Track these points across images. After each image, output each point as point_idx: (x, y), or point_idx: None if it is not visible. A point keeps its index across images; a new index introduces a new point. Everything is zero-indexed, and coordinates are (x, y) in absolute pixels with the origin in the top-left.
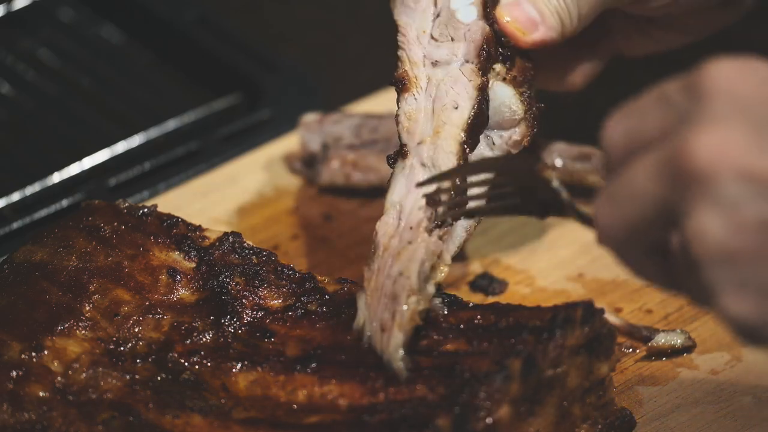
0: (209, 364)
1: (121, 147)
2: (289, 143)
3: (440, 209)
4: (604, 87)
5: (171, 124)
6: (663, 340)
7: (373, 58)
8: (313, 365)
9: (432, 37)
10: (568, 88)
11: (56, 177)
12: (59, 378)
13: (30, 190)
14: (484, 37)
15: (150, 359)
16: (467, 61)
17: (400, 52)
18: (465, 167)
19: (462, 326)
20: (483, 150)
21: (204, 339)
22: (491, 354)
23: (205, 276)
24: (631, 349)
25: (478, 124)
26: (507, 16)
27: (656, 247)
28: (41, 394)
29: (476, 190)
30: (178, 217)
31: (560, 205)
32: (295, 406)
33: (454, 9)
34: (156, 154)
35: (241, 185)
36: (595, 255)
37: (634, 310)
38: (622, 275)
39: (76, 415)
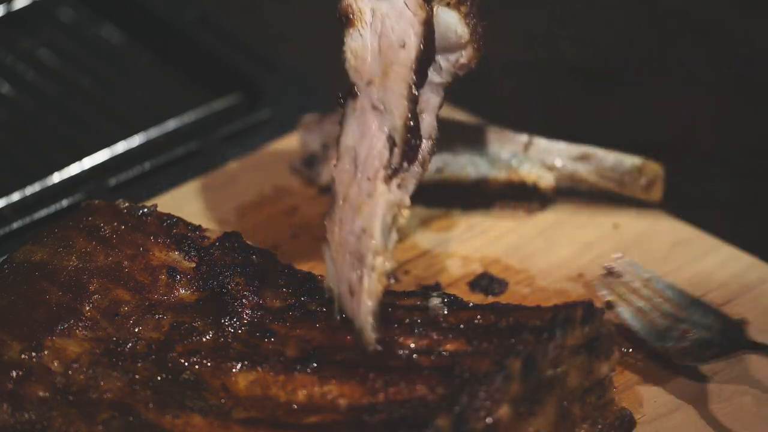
0: (209, 364)
1: (121, 147)
2: (289, 143)
3: (396, 153)
4: (604, 87)
5: (171, 124)
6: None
7: None
8: (313, 365)
9: None
10: None
11: (56, 177)
12: (59, 378)
13: (30, 190)
14: None
15: (150, 359)
16: None
17: None
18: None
19: (462, 326)
20: (430, 76)
21: (204, 339)
22: (491, 354)
23: (205, 276)
24: (630, 350)
25: (426, 60)
26: None
27: None
28: (41, 394)
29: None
30: (178, 217)
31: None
32: (295, 406)
33: None
34: (156, 154)
35: (241, 185)
36: (595, 255)
37: None
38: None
39: (76, 415)
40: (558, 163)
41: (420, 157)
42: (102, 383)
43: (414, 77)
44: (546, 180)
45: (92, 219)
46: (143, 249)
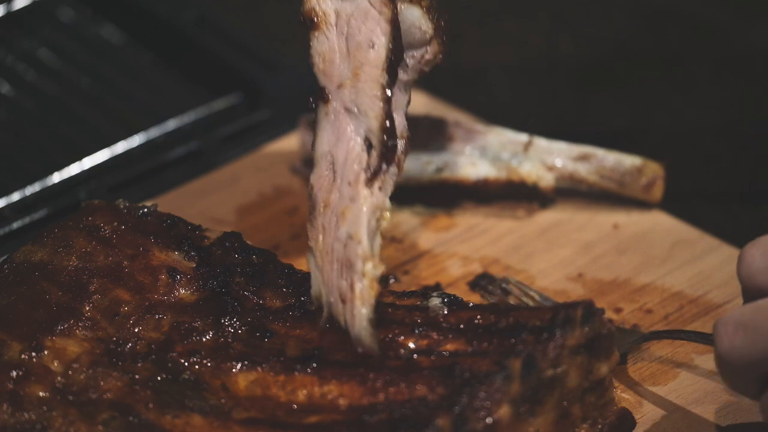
0: (209, 364)
1: (121, 147)
2: (289, 143)
3: (374, 155)
4: (604, 87)
5: (171, 124)
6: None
7: None
8: (313, 365)
9: None
10: None
11: (56, 177)
12: (59, 378)
13: (30, 190)
14: None
15: (150, 359)
16: None
17: None
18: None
19: (462, 326)
20: (398, 74)
21: (204, 339)
22: (491, 354)
23: (205, 276)
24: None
25: (396, 59)
26: None
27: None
28: (41, 394)
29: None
30: (178, 217)
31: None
32: (295, 406)
33: None
34: (156, 154)
35: (241, 185)
36: (595, 255)
37: (634, 310)
38: (623, 275)
39: (76, 415)
40: (558, 163)
41: (396, 157)
42: (102, 383)
43: (386, 77)
44: (546, 180)
45: (92, 219)
46: (143, 249)
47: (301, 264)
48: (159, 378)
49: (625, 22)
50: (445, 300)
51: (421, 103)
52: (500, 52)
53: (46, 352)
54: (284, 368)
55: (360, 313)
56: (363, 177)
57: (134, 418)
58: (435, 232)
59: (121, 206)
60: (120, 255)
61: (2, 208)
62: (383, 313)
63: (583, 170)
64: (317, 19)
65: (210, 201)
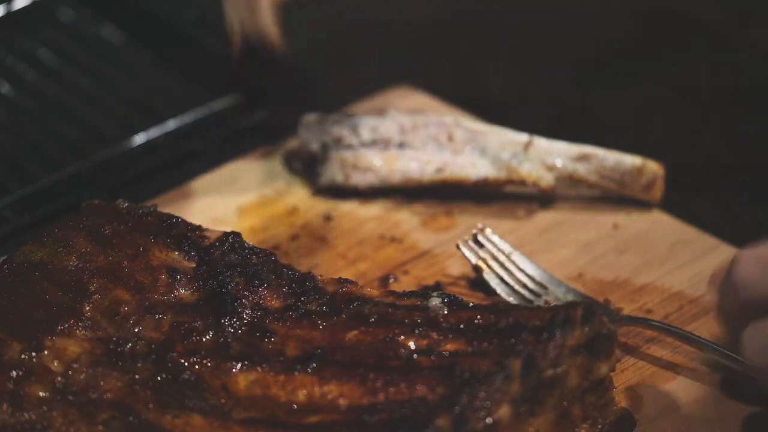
0: (209, 364)
1: (121, 147)
2: (289, 143)
3: None
4: (603, 87)
5: (171, 124)
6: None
7: (373, 58)
8: (313, 365)
9: None
10: None
11: (56, 177)
12: (59, 378)
13: (30, 190)
14: None
15: (150, 359)
16: None
17: None
18: None
19: (462, 326)
20: None
21: (204, 339)
22: (491, 354)
23: (205, 276)
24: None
25: None
26: None
27: None
28: (41, 394)
29: None
30: (178, 217)
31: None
32: (295, 406)
33: None
34: (156, 154)
35: (241, 185)
36: (595, 255)
37: (634, 310)
38: (623, 275)
39: (76, 415)
40: (558, 163)
41: None
42: (102, 383)
43: None
44: (546, 180)
45: (92, 219)
46: (143, 249)
47: (301, 264)
48: (159, 378)
49: (625, 21)
50: (445, 300)
51: (421, 103)
52: (500, 52)
53: (46, 352)
54: (284, 368)
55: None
56: None
57: (134, 418)
58: (435, 232)
59: (121, 206)
60: (120, 255)
61: (2, 208)
62: (383, 313)
63: (583, 170)
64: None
65: (210, 201)
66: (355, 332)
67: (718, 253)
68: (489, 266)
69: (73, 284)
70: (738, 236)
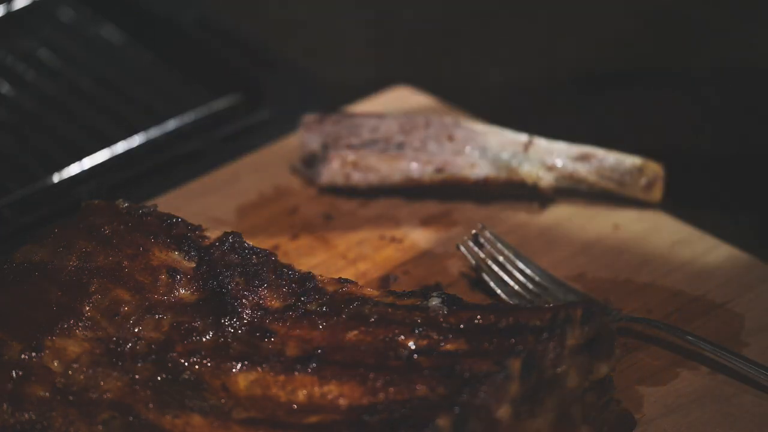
0: (209, 364)
1: (121, 147)
2: (289, 143)
3: None
4: (603, 88)
5: (171, 124)
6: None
7: (373, 58)
8: (313, 365)
9: None
10: None
11: (56, 177)
12: (59, 378)
13: (30, 190)
14: None
15: (150, 359)
16: None
17: None
18: None
19: (462, 326)
20: None
21: (204, 339)
22: (491, 354)
23: (205, 276)
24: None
25: None
26: None
27: None
28: (41, 394)
29: None
30: (178, 217)
31: None
32: (295, 406)
33: None
34: (156, 154)
35: (241, 185)
36: (595, 255)
37: (634, 310)
38: (622, 275)
39: (76, 415)
40: (558, 163)
41: None
42: (102, 383)
43: None
44: (546, 180)
45: (92, 219)
46: (143, 249)
47: (301, 264)
48: (159, 378)
49: (625, 22)
50: (445, 300)
51: (421, 103)
52: (500, 53)
53: (46, 352)
54: (284, 368)
55: None
56: None
57: (134, 418)
58: (435, 232)
59: (121, 206)
60: (120, 255)
61: (2, 208)
62: (383, 313)
63: (583, 170)
64: None
65: (210, 201)
66: (355, 332)
67: (718, 253)
68: (489, 266)
69: (73, 284)
70: (738, 236)
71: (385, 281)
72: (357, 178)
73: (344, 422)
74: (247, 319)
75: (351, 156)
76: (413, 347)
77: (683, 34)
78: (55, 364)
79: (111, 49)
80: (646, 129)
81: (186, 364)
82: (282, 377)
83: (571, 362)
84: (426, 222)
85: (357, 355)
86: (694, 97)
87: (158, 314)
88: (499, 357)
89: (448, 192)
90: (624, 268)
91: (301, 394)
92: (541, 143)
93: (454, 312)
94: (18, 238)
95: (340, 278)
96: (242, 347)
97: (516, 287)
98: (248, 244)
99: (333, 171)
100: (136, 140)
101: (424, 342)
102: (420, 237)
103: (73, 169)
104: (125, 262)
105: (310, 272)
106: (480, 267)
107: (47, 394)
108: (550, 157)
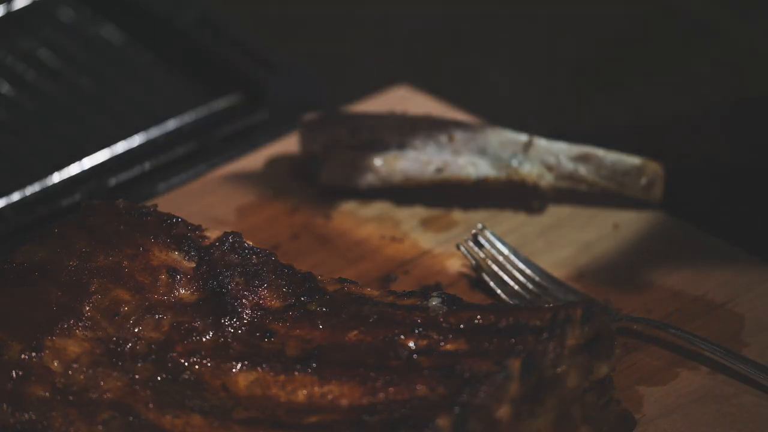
0: (209, 364)
1: (121, 147)
2: (289, 143)
3: None
4: (604, 87)
5: (171, 124)
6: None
7: (373, 58)
8: (313, 365)
9: None
10: None
11: (56, 177)
12: (59, 378)
13: (30, 190)
14: None
15: (150, 359)
16: None
17: None
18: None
19: (462, 326)
20: None
21: (204, 339)
22: (491, 354)
23: (205, 276)
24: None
25: None
26: None
27: None
28: (41, 394)
29: None
30: (178, 217)
31: None
32: (295, 406)
33: None
34: (156, 154)
35: (241, 185)
36: (595, 255)
37: (634, 310)
38: (622, 275)
39: (76, 415)
40: (558, 163)
41: None
42: (102, 383)
43: None
44: (546, 180)
45: (92, 219)
46: (143, 249)
47: (301, 264)
48: (159, 378)
49: (625, 21)
50: (445, 300)
51: (421, 103)
52: (500, 52)
53: (46, 352)
54: (284, 368)
55: None
56: None
57: (134, 418)
58: (435, 232)
59: (121, 206)
60: (120, 255)
61: (2, 208)
62: (383, 313)
63: (583, 170)
64: None
65: (210, 201)
66: (355, 332)
67: (718, 253)
68: (489, 266)
69: (73, 284)
70: (738, 236)
71: (385, 281)
72: (357, 178)
73: (344, 422)
74: (247, 319)
75: (351, 156)
76: (413, 347)
77: (683, 34)
78: (55, 364)
79: (111, 49)
80: (646, 129)
81: (186, 364)
82: (282, 377)
83: (571, 362)
84: (426, 222)
85: (357, 355)
86: (694, 97)
87: (158, 314)
88: (499, 357)
89: (448, 192)
90: (624, 268)
91: (301, 394)
92: (541, 143)
93: (454, 312)
94: (18, 238)
95: (340, 278)
96: (242, 347)
97: (516, 287)
98: (248, 244)
99: (333, 171)
100: (136, 140)
101: (424, 342)
102: (420, 237)
103: (73, 169)
104: (125, 262)
105: (310, 272)
106: (480, 267)
107: (47, 394)
108: (550, 157)
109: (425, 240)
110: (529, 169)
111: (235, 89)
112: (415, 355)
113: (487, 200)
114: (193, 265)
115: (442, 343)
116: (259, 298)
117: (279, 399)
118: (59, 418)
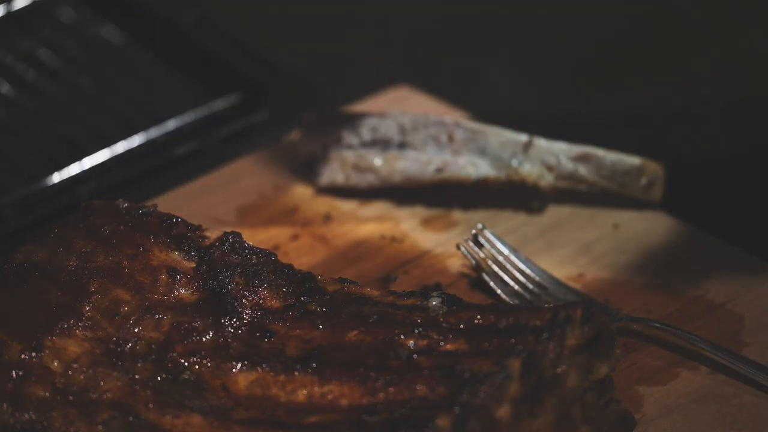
0: (209, 364)
1: (121, 147)
2: (289, 143)
3: None
4: (604, 87)
5: (171, 124)
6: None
7: (373, 58)
8: (313, 365)
9: None
10: None
11: (56, 177)
12: (59, 378)
13: (30, 190)
14: None
15: (150, 359)
16: None
17: None
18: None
19: (462, 326)
20: None
21: (204, 339)
22: (491, 354)
23: (205, 276)
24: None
25: None
26: None
27: None
28: (41, 394)
29: None
30: (178, 217)
31: None
32: (295, 406)
33: None
34: (156, 154)
35: (241, 185)
36: (595, 255)
37: (634, 310)
38: (622, 275)
39: (76, 415)
40: (558, 163)
41: None
42: (102, 383)
43: None
44: (546, 180)
45: (92, 219)
46: (143, 249)
47: (301, 264)
48: (159, 378)
49: (625, 21)
50: (445, 300)
51: (421, 103)
52: (500, 52)
53: (46, 352)
54: (284, 368)
55: None
56: None
57: (134, 418)
58: (435, 232)
59: (121, 206)
60: (120, 255)
61: (2, 208)
62: (383, 313)
63: (583, 170)
64: None
65: (210, 201)
66: (355, 332)
67: (718, 253)
68: (489, 266)
69: (73, 284)
70: (738, 236)
71: (385, 281)
72: (357, 178)
73: (344, 422)
74: (247, 319)
75: (351, 156)
76: (413, 347)
77: (683, 34)
78: (55, 364)
79: (111, 49)
80: (646, 129)
81: (186, 364)
82: (282, 377)
83: (571, 362)
84: (426, 222)
85: (357, 355)
86: (694, 97)
87: (158, 314)
88: (499, 357)
89: (448, 192)
90: (624, 268)
91: (301, 394)
92: (541, 143)
93: (454, 312)
94: (18, 238)
95: (340, 278)
96: (242, 347)
97: (516, 287)
98: (248, 244)
99: (333, 171)
100: (136, 140)
101: (424, 342)
102: (420, 237)
103: (73, 169)
104: (125, 262)
105: (310, 272)
106: (480, 267)
107: (47, 394)
108: (550, 157)
109: (425, 240)
110: (529, 169)
111: (235, 89)
112: (415, 355)
113: (487, 200)
114: (193, 265)
115: (442, 343)
116: (259, 298)
117: (279, 399)
118: (59, 418)
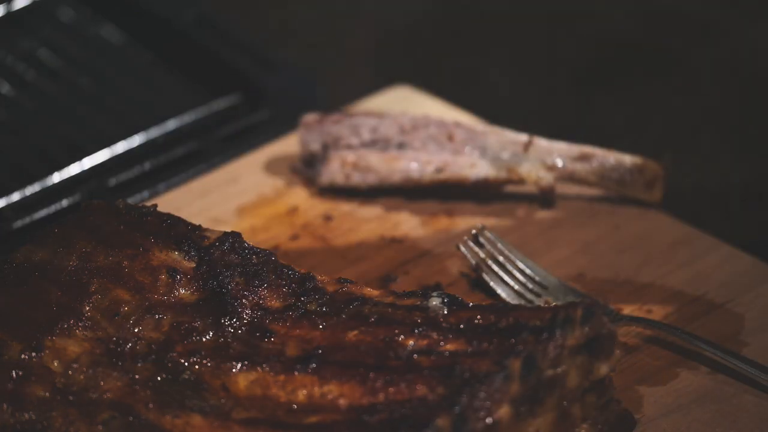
0: (209, 364)
1: (121, 147)
2: (289, 143)
3: None
4: (603, 87)
5: (171, 124)
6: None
7: (373, 58)
8: (313, 365)
9: None
10: None
11: (56, 177)
12: (59, 378)
13: (30, 190)
14: None
15: (150, 359)
16: None
17: None
18: None
19: (462, 326)
20: None
21: (204, 339)
22: (491, 354)
23: (205, 276)
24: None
25: None
26: None
27: None
28: (41, 394)
29: None
30: (178, 217)
31: None
32: (295, 406)
33: None
34: (156, 154)
35: (241, 185)
36: (595, 255)
37: (634, 310)
38: (622, 275)
39: (76, 415)
40: (558, 163)
41: None
42: (102, 383)
43: None
44: (546, 180)
45: (92, 219)
46: (143, 249)
47: (301, 264)
48: (159, 378)
49: (625, 21)
50: (445, 300)
51: (421, 103)
52: (500, 52)
53: (46, 352)
54: (284, 368)
55: None
56: None
57: (134, 418)
58: (435, 232)
59: (121, 206)
60: (120, 255)
61: (2, 208)
62: (383, 313)
63: (583, 170)
64: None
65: (210, 201)
66: (355, 332)
67: (718, 253)
68: (489, 266)
69: (73, 284)
70: (738, 236)
71: (385, 281)
72: (357, 178)
73: (344, 422)
74: (247, 319)
75: (351, 156)
76: (413, 347)
77: (683, 34)
78: (55, 364)
79: (111, 49)
80: (646, 129)
81: (186, 364)
82: (282, 377)
83: (571, 362)
84: (426, 222)
85: (357, 355)
86: (694, 97)
87: (158, 314)
88: (499, 357)
89: (448, 192)
90: (624, 268)
91: (301, 394)
92: (541, 143)
93: (454, 312)
94: (18, 238)
95: (340, 278)
96: (242, 347)
97: (516, 287)
98: (248, 244)
99: (333, 171)
100: (136, 140)
101: (424, 342)
102: (420, 237)
103: (73, 169)
104: (125, 262)
105: (310, 272)
106: (480, 267)
107: (47, 394)
108: (550, 157)
109: (425, 240)
110: (529, 169)
111: (235, 89)
112: (415, 355)
113: (487, 200)
114: (193, 265)
115: (442, 343)
116: (259, 298)
117: (279, 399)
118: (59, 418)
